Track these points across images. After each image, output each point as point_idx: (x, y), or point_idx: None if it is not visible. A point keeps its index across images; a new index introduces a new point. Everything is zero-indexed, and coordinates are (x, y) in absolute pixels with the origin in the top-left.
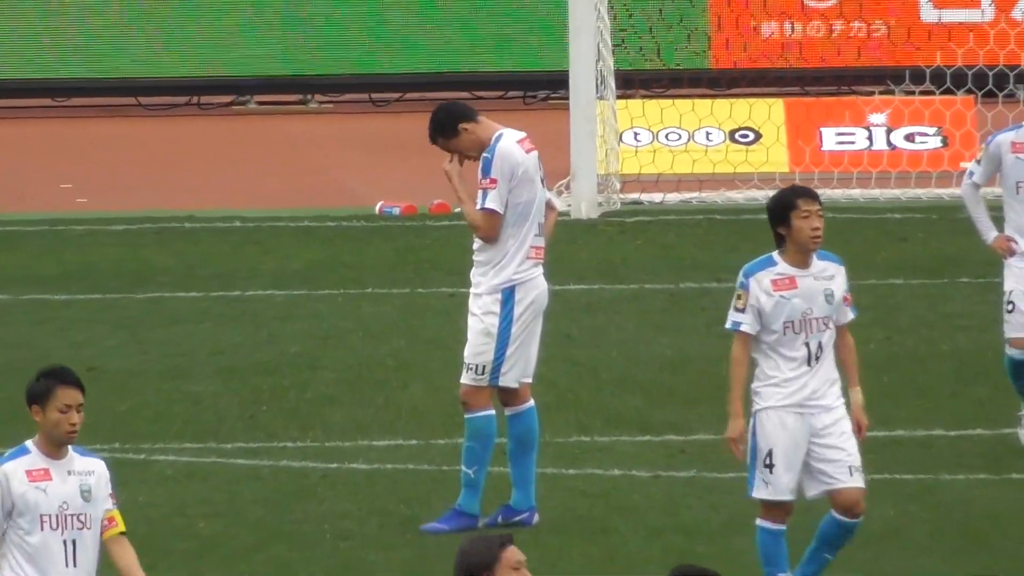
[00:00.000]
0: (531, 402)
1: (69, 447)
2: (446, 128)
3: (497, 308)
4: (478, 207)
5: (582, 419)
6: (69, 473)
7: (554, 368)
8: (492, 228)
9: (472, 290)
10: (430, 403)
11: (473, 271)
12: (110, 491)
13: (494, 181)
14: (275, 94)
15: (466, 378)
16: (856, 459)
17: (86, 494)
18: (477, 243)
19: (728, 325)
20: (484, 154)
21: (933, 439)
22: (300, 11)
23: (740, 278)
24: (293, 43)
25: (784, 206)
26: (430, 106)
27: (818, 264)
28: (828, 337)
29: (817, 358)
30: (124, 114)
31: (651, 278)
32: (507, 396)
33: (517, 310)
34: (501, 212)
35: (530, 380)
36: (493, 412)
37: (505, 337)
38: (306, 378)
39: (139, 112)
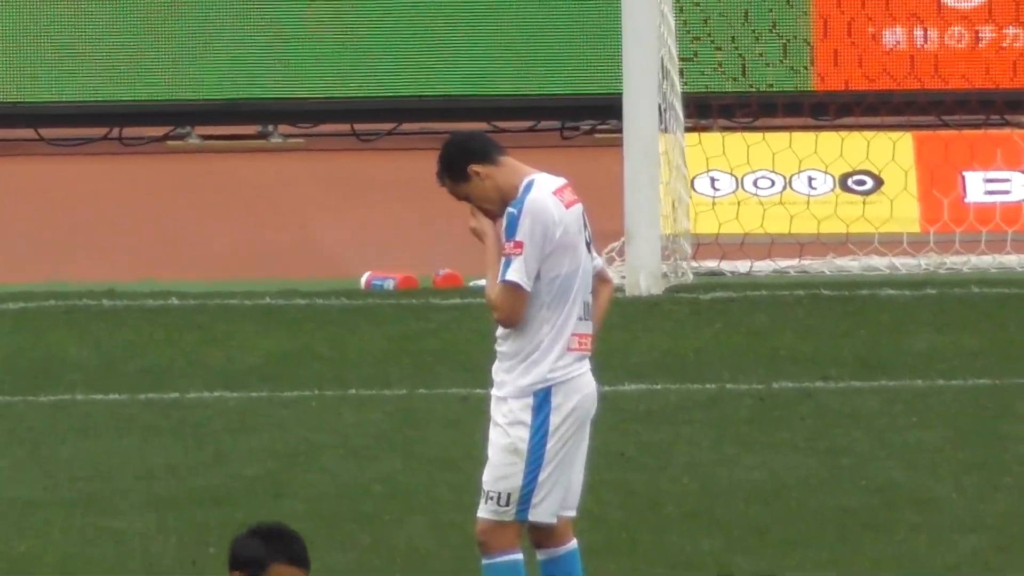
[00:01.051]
0: (573, 543)
1: None
2: (453, 167)
3: (528, 417)
4: (498, 279)
5: (640, 566)
6: None
7: (604, 497)
8: (515, 309)
9: (494, 392)
10: (434, 544)
11: (496, 367)
12: None
13: (520, 245)
14: (224, 124)
15: (485, 511)
16: None
17: None
18: (501, 330)
19: None
20: (509, 208)
21: None
22: (257, 15)
23: None
24: (249, 56)
25: None
26: (434, 142)
27: None
28: None
29: None
30: (20, 151)
31: (734, 376)
32: (541, 535)
33: (554, 420)
34: (527, 288)
35: (572, 513)
36: (521, 556)
37: (538, 456)
38: (267, 509)
39: (41, 149)
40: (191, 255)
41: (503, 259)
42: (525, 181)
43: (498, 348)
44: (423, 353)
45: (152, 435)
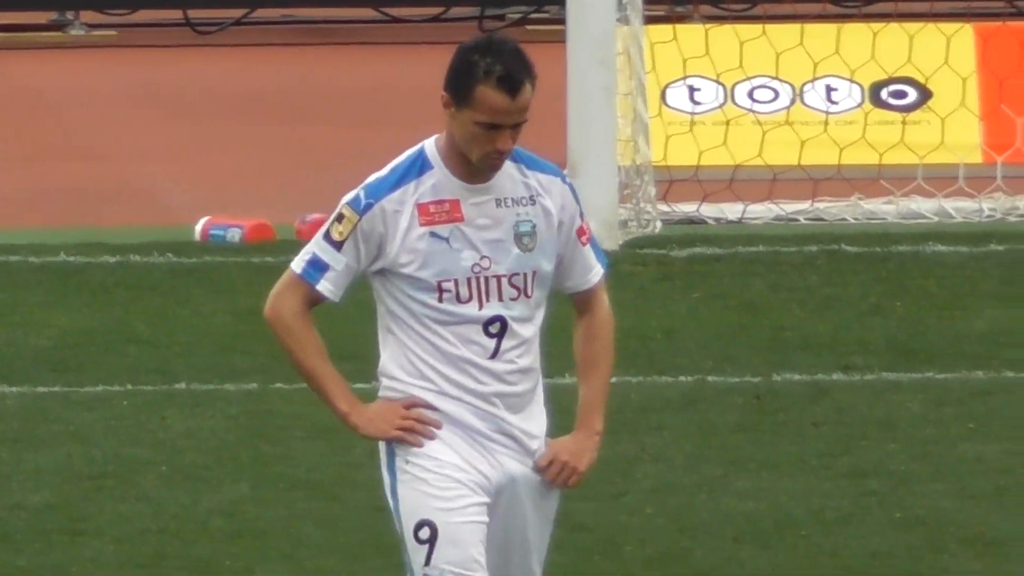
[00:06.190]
0: None
1: None
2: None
3: None
4: (600, 269)
5: None
6: None
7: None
8: None
9: (524, 445)
10: None
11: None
12: None
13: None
14: (2, 10)
15: None
16: None
17: None
18: (522, 342)
19: None
20: (569, 177)
21: None
22: None
23: None
24: None
25: None
26: (299, 35)
27: None
28: None
29: None
30: None
31: (720, 365)
32: None
33: None
34: None
35: None
36: None
37: None
38: (61, 552)
39: None
40: None
41: (589, 245)
42: None
43: (514, 382)
44: None
45: None
